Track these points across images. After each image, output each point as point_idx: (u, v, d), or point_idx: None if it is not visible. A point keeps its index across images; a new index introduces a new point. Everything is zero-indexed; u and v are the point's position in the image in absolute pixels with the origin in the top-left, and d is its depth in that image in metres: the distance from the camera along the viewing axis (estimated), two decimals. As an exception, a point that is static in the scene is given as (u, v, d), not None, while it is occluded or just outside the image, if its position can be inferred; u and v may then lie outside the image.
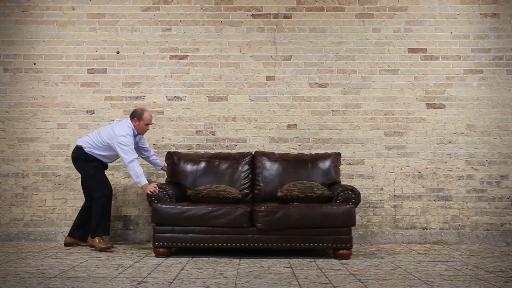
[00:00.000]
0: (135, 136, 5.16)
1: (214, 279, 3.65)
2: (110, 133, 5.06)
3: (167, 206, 4.69)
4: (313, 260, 4.53)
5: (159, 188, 4.83)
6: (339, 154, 5.44)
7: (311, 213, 4.61)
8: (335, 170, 5.32)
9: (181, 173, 5.28)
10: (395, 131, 5.81)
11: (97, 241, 4.99)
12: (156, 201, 4.75)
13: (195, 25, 5.91)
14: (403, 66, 5.86)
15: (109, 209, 5.13)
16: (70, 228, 5.36)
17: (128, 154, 4.93)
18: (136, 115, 5.12)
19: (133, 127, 5.11)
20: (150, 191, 4.79)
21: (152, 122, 5.35)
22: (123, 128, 5.03)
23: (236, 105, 5.84)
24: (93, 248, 5.02)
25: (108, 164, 5.34)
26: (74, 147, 5.28)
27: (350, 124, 5.82)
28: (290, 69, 5.88)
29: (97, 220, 5.01)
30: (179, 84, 5.87)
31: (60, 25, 5.89)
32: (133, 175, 4.95)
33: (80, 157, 5.14)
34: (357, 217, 5.62)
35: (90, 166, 5.12)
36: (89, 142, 5.14)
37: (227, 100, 5.84)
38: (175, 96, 5.85)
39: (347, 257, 4.60)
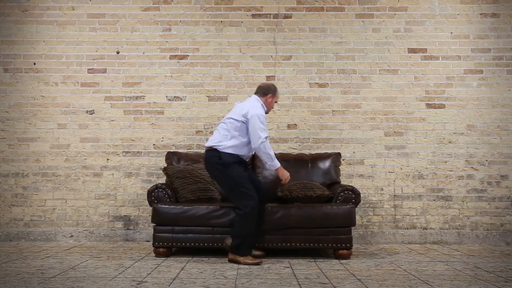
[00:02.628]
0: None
1: (214, 279, 3.65)
2: (243, 109, 4.46)
3: (167, 206, 4.69)
4: (313, 260, 4.53)
5: (158, 187, 4.83)
6: (339, 154, 5.44)
7: (311, 213, 4.62)
8: (335, 170, 5.32)
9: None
10: (395, 131, 5.81)
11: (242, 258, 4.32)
12: (156, 201, 4.75)
13: (195, 25, 5.91)
14: (403, 66, 5.86)
15: (253, 229, 4.38)
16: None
17: (262, 131, 4.35)
18: (271, 91, 4.58)
19: (263, 104, 4.57)
20: (285, 181, 4.48)
21: None
22: (260, 106, 4.52)
23: (236, 105, 5.83)
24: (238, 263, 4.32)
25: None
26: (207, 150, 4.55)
27: (350, 124, 5.82)
28: (290, 69, 5.88)
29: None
30: (179, 84, 5.87)
31: (60, 25, 5.90)
32: (265, 158, 4.42)
33: (217, 161, 4.43)
34: (357, 217, 5.61)
35: (229, 171, 4.44)
36: (220, 136, 4.49)
37: (227, 100, 5.84)
38: (175, 96, 5.85)
39: (347, 257, 4.60)
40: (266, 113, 4.63)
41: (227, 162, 4.44)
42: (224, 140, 4.47)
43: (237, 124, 4.46)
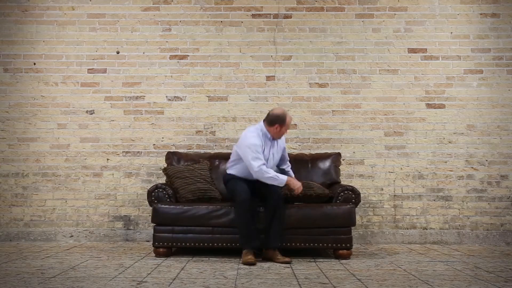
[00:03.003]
0: (271, 140, 4.65)
1: (214, 279, 3.65)
2: (240, 138, 4.68)
3: (167, 206, 4.69)
4: (313, 260, 4.53)
5: (158, 187, 4.84)
6: (339, 154, 5.44)
7: (311, 213, 4.62)
8: (335, 170, 5.31)
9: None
10: (395, 131, 5.81)
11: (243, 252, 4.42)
12: (156, 201, 4.75)
13: (195, 25, 5.91)
14: (403, 66, 5.86)
15: (246, 220, 4.43)
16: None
17: (255, 160, 4.42)
18: (278, 121, 4.52)
19: (267, 132, 4.59)
20: (297, 190, 4.49)
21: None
22: (255, 134, 4.56)
23: (236, 105, 5.84)
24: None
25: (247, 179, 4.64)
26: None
27: (350, 124, 5.82)
28: (290, 69, 5.88)
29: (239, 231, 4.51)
30: (179, 84, 5.87)
31: (60, 25, 5.89)
32: (269, 182, 4.45)
33: (225, 182, 4.82)
34: (357, 217, 5.61)
35: (228, 184, 4.74)
36: (229, 160, 4.83)
37: (227, 100, 5.84)
38: (175, 96, 5.85)
39: (347, 257, 4.60)
40: (274, 139, 4.65)
41: (226, 179, 4.80)
42: (229, 164, 4.84)
43: (235, 151, 4.75)
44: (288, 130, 4.75)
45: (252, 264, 4.24)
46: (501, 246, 5.53)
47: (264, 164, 4.47)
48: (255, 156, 4.45)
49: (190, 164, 5.18)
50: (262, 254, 4.49)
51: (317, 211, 4.63)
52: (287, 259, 4.35)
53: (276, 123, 4.55)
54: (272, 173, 4.46)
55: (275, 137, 4.64)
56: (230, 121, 5.82)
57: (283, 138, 4.78)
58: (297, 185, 4.55)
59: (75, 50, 5.88)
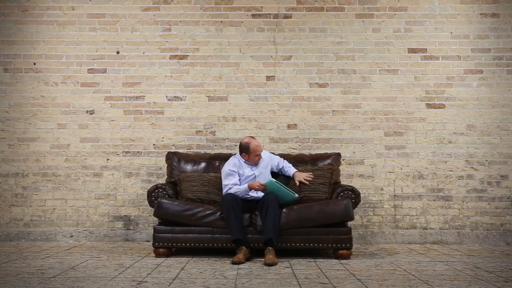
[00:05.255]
0: (251, 165, 4.98)
1: (214, 279, 3.65)
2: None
3: (170, 201, 4.72)
4: (313, 260, 4.53)
5: (158, 187, 4.85)
6: (339, 154, 5.43)
7: (308, 212, 4.61)
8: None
9: (181, 173, 5.27)
10: (395, 131, 5.81)
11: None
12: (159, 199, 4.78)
13: (195, 25, 5.91)
14: (403, 66, 5.86)
15: (227, 213, 4.59)
16: None
17: (224, 182, 4.90)
18: (243, 150, 4.95)
19: (245, 160, 4.96)
20: (258, 186, 4.74)
21: (260, 151, 4.97)
22: (231, 162, 4.98)
23: (236, 105, 5.84)
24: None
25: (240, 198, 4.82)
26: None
27: (350, 124, 5.82)
28: (290, 69, 5.88)
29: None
30: (179, 84, 5.87)
31: (60, 25, 5.89)
32: (240, 194, 4.79)
33: None
34: (357, 217, 5.63)
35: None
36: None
37: (227, 100, 5.84)
38: (175, 96, 5.85)
39: (347, 257, 4.59)
40: (255, 164, 4.96)
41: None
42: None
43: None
44: (261, 154, 4.97)
45: (239, 263, 4.27)
46: (501, 246, 5.53)
47: (234, 184, 4.85)
48: (226, 180, 4.89)
49: (206, 173, 5.18)
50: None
51: (314, 209, 4.63)
52: (270, 262, 4.25)
53: (242, 152, 4.96)
54: (240, 189, 4.82)
55: (251, 163, 4.97)
56: (230, 121, 5.82)
57: (271, 156, 5.12)
58: (255, 184, 4.79)
59: (75, 50, 5.88)
